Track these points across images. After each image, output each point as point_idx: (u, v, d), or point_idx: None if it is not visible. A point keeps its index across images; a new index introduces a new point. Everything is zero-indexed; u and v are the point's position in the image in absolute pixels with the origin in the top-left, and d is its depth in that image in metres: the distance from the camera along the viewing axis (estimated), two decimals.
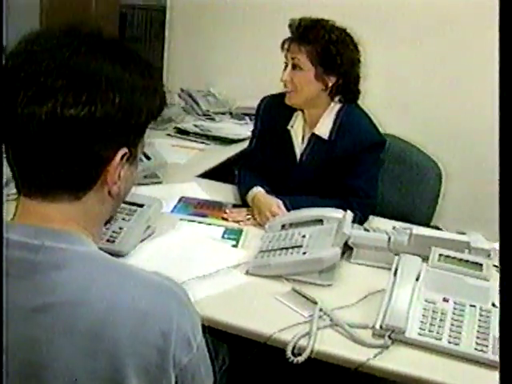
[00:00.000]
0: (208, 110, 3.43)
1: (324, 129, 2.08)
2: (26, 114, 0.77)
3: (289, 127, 2.14)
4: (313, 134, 2.11)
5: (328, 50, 1.98)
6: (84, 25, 0.85)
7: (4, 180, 1.97)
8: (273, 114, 2.20)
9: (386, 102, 3.12)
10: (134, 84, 0.83)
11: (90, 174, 0.83)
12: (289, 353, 1.33)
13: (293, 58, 2.01)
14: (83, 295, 0.80)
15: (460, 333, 1.38)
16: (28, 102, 0.77)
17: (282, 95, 2.11)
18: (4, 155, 0.84)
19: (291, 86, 2.04)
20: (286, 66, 2.05)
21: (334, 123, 2.07)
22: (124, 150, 0.84)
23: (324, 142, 2.09)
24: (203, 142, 2.98)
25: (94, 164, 0.83)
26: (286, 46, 2.04)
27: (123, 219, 1.70)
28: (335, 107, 2.09)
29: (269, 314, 1.48)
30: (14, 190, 1.99)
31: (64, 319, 0.79)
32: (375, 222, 2.07)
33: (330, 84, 2.03)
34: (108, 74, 0.80)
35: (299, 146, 2.15)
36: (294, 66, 2.02)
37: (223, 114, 3.48)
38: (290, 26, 2.04)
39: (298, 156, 2.14)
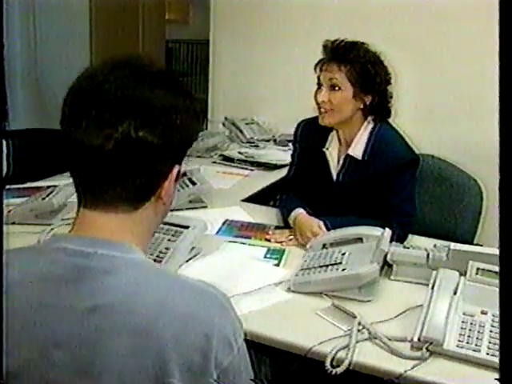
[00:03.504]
0: (252, 138, 3.53)
1: (358, 150, 2.13)
2: (102, 136, 0.87)
3: (324, 149, 2.20)
4: (347, 155, 2.15)
5: (367, 69, 2.04)
6: (137, 57, 0.98)
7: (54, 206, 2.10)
8: (309, 137, 2.27)
9: (424, 121, 3.15)
10: (186, 108, 0.95)
11: (150, 187, 0.94)
12: (327, 364, 1.37)
13: (330, 79, 2.06)
14: (131, 298, 0.88)
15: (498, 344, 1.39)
16: (103, 125, 0.87)
17: (317, 118, 2.16)
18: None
19: (329, 106, 2.07)
20: (319, 87, 2.10)
21: (367, 144, 2.12)
22: (178, 167, 0.96)
23: (358, 162, 2.13)
24: (247, 168, 3.08)
25: (155, 179, 0.94)
26: (323, 66, 2.09)
27: (169, 240, 1.78)
28: (368, 127, 2.13)
29: (309, 329, 1.53)
30: (67, 216, 2.10)
31: (113, 319, 0.86)
32: (416, 240, 2.09)
33: (368, 102, 2.08)
34: (169, 101, 0.92)
35: (335, 167, 2.19)
36: (333, 87, 2.06)
37: (267, 141, 3.58)
38: (325, 46, 2.09)
39: (335, 176, 2.19)
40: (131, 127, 0.87)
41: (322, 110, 2.10)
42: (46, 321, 0.87)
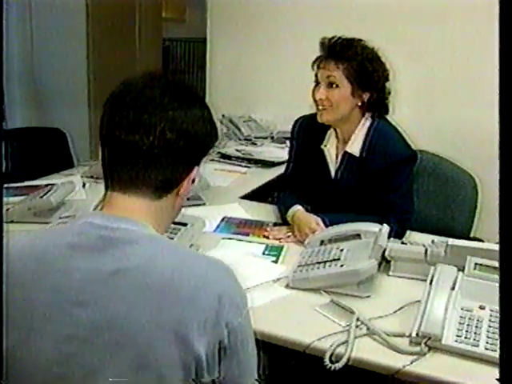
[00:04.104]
0: (249, 135, 3.54)
1: (355, 146, 2.13)
2: (141, 133, 1.02)
3: (322, 146, 2.20)
4: (345, 152, 2.15)
5: (364, 66, 2.03)
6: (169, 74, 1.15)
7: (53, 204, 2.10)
8: (307, 134, 2.26)
9: (417, 117, 3.16)
10: (207, 117, 1.10)
11: (173, 182, 1.09)
12: (327, 360, 1.38)
13: (328, 76, 2.05)
14: (151, 262, 0.99)
15: (497, 339, 1.39)
16: (143, 124, 1.02)
17: (314, 115, 2.15)
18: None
19: (327, 103, 2.07)
20: (316, 85, 2.09)
21: (365, 140, 2.11)
22: (197, 168, 1.11)
23: (356, 159, 2.13)
24: (245, 166, 3.09)
25: (178, 175, 1.08)
26: (320, 64, 2.07)
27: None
28: (366, 124, 2.13)
29: (308, 325, 1.53)
30: (65, 214, 2.10)
31: (134, 280, 0.97)
32: (414, 236, 2.10)
33: (366, 99, 2.08)
34: (197, 112, 1.07)
35: (333, 164, 2.19)
36: (330, 84, 2.05)
37: (264, 138, 3.59)
38: (323, 43, 2.08)
39: (333, 174, 2.19)
40: (166, 129, 1.02)
41: (320, 107, 2.09)
42: (70, 283, 0.98)
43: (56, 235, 1.06)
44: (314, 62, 2.10)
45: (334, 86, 2.05)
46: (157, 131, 1.02)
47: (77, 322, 0.96)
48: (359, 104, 2.09)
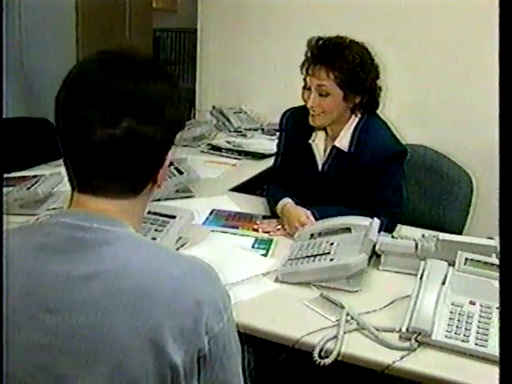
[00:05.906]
0: (239, 127, 3.51)
1: (344, 142, 2.10)
2: (106, 135, 0.91)
3: (310, 141, 2.17)
4: (334, 146, 2.13)
5: (356, 73, 1.99)
6: (126, 50, 1.00)
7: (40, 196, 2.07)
8: (295, 127, 2.23)
9: (416, 113, 3.14)
10: (178, 97, 1.00)
11: (149, 175, 0.99)
12: (316, 355, 1.36)
13: (319, 85, 2.00)
14: (126, 265, 0.92)
15: (487, 335, 1.39)
16: (104, 125, 0.90)
17: (303, 108, 2.11)
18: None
19: (319, 110, 2.04)
20: (305, 86, 2.05)
21: (353, 136, 2.09)
22: (171, 152, 1.01)
23: (344, 154, 2.10)
24: (235, 158, 3.06)
25: (154, 167, 0.99)
26: (309, 70, 2.02)
27: (156, 230, 1.76)
28: (355, 120, 2.10)
29: (297, 320, 1.52)
30: (52, 206, 2.07)
31: (109, 285, 0.91)
32: (405, 230, 2.09)
33: (357, 102, 2.05)
34: (163, 93, 0.97)
35: (321, 158, 2.17)
36: (322, 93, 2.01)
37: (254, 130, 3.56)
38: (310, 46, 2.02)
39: (320, 166, 2.17)
40: (132, 123, 0.91)
41: (312, 112, 2.06)
42: (39, 287, 0.91)
43: (25, 235, 0.98)
44: (303, 66, 2.05)
45: (325, 94, 2.01)
46: (121, 128, 0.91)
47: (48, 329, 0.90)
48: (351, 106, 2.06)
